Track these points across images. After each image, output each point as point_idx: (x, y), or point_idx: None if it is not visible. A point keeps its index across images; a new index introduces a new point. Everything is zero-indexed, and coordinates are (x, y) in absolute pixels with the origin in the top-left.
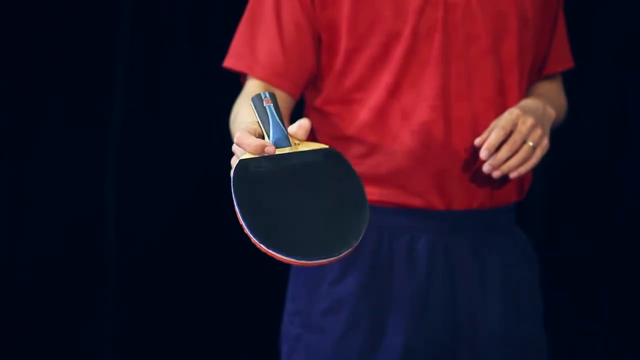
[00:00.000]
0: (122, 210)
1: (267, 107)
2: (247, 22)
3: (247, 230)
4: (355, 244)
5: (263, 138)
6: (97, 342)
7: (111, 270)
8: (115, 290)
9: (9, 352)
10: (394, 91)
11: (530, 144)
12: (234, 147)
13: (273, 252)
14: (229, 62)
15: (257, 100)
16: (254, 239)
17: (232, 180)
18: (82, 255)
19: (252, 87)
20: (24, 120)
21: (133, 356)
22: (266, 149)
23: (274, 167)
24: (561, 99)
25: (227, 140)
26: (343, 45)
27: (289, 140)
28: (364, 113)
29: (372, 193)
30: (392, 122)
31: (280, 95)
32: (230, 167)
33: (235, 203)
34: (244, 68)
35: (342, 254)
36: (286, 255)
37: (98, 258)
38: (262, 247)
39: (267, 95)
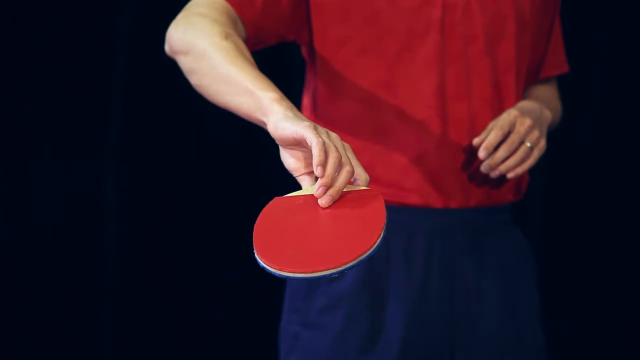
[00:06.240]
0: (122, 210)
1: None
2: None
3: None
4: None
5: None
6: (97, 340)
7: (110, 269)
8: (115, 287)
9: (8, 349)
10: (390, 89)
11: (528, 144)
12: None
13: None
14: None
15: None
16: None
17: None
18: (81, 255)
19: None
20: (23, 119)
21: (132, 354)
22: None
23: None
24: (556, 103)
25: (227, 139)
26: (334, 33)
27: None
28: (359, 111)
29: None
30: (389, 120)
31: (239, 27)
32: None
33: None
34: None
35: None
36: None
37: (98, 257)
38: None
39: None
